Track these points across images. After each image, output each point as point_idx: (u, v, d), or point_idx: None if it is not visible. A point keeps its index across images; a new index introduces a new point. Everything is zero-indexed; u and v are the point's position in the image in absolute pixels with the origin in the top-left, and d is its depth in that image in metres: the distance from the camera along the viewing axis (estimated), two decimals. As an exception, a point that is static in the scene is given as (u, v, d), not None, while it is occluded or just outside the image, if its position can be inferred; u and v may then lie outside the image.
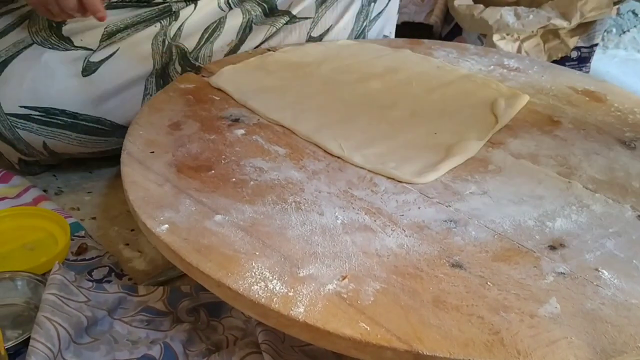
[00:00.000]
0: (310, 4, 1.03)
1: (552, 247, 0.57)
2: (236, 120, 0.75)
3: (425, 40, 1.06)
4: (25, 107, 0.85)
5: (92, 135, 0.90)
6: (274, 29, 1.01)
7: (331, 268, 0.52)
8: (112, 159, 0.92)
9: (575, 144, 0.75)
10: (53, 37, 0.86)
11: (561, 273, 0.54)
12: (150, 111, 0.76)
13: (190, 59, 0.93)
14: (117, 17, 0.91)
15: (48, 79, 0.85)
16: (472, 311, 0.49)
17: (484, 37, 1.30)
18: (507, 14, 1.22)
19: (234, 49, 0.97)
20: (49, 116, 0.86)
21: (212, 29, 0.95)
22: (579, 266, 0.55)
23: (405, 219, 0.60)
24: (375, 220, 0.59)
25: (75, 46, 0.87)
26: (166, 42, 0.92)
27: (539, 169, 0.69)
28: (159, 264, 0.79)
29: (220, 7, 0.98)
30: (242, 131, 0.73)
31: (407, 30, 1.21)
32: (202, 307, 0.69)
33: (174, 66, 0.93)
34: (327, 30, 1.06)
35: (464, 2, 1.28)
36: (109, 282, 0.74)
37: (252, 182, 0.64)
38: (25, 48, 0.85)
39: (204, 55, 0.95)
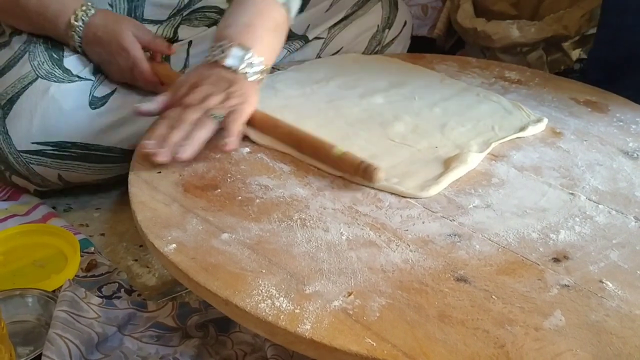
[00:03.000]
0: (325, 27, 1.05)
1: (556, 260, 0.57)
2: (241, 138, 0.76)
3: (427, 55, 1.07)
4: (37, 143, 0.85)
5: (105, 164, 0.90)
6: (288, 53, 1.02)
7: (337, 284, 0.53)
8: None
9: (578, 155, 0.75)
10: (56, 69, 0.86)
11: (565, 285, 0.54)
12: (156, 131, 0.77)
13: None
14: None
15: (57, 112, 0.84)
16: (477, 325, 0.49)
17: (487, 51, 1.31)
18: (509, 27, 1.23)
19: None
20: (62, 150, 0.86)
21: None
22: (583, 278, 0.55)
23: (410, 234, 0.60)
24: (380, 236, 0.60)
25: (78, 77, 0.87)
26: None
27: (542, 181, 0.70)
28: (167, 280, 0.80)
29: None
30: (247, 149, 0.74)
31: (410, 44, 1.22)
32: (211, 322, 0.69)
33: None
34: (337, 52, 1.07)
35: (467, 16, 1.29)
36: (118, 298, 0.75)
37: (257, 200, 0.64)
38: (30, 83, 0.84)
39: None
